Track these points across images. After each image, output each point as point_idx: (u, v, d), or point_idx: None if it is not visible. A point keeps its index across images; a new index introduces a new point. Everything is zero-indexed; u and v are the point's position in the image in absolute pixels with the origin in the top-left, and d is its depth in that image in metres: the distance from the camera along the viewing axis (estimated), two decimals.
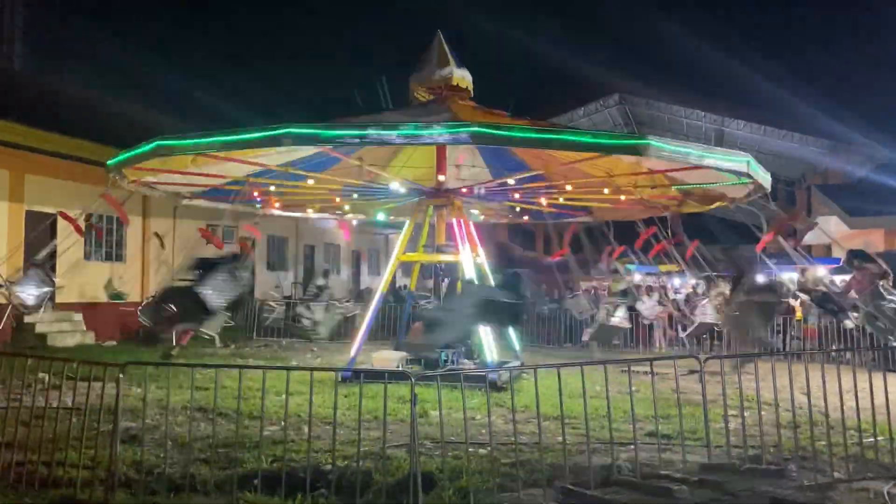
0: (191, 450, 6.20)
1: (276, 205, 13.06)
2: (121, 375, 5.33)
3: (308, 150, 10.71)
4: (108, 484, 5.13)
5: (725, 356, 6.41)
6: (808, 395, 6.04)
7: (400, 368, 11.42)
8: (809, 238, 24.13)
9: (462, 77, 12.04)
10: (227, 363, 12.76)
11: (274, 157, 10.75)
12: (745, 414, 6.38)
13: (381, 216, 15.21)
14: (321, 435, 6.74)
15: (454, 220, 12.06)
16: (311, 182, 12.03)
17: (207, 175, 11.42)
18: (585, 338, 16.01)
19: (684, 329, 16.21)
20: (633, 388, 6.26)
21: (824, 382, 6.14)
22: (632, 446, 6.18)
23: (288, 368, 6.17)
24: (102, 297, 16.57)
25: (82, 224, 11.54)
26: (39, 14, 20.08)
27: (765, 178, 9.85)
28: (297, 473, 5.55)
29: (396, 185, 12.12)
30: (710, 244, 13.09)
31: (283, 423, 7.60)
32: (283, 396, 8.95)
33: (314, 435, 6.83)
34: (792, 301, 17.04)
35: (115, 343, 15.67)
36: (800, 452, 6.06)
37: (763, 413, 6.38)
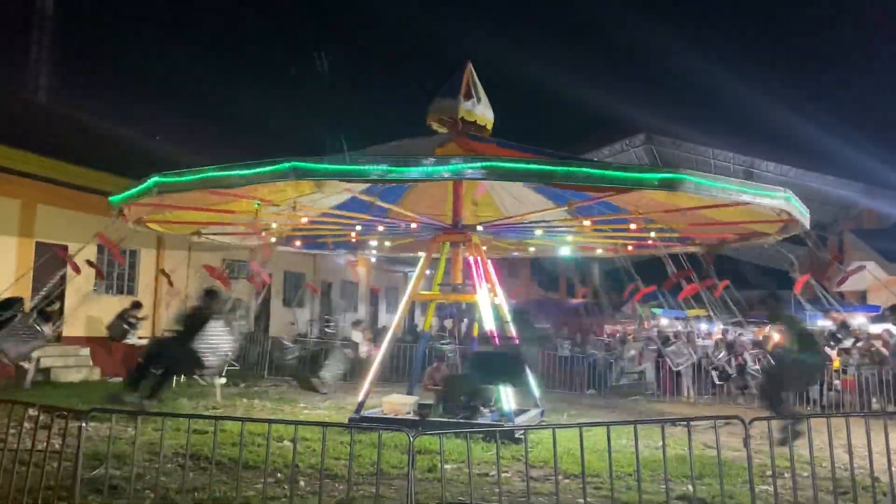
0: None
1: (297, 243, 12.65)
2: (83, 425, 4.77)
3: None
4: None
5: (773, 417, 5.70)
6: (850, 454, 5.32)
7: (412, 415, 10.81)
8: (844, 285, 23.24)
9: (476, 112, 11.54)
10: (226, 405, 12.37)
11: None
12: (788, 476, 5.65)
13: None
14: (320, 490, 6.10)
15: (471, 258, 11.50)
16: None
17: (217, 211, 11.10)
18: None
19: (722, 377, 15.32)
20: (665, 444, 5.57)
21: (869, 441, 5.42)
22: None
23: (271, 421, 5.57)
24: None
25: (81, 258, 11.12)
26: (59, 46, 20.15)
27: (804, 215, 9.24)
28: None
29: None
30: (742, 289, 12.34)
31: (278, 477, 7.04)
32: (285, 443, 8.48)
33: (312, 490, 6.24)
34: (829, 349, 16.19)
35: (121, 379, 15.15)
36: None
37: (804, 475, 5.66)
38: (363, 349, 13.70)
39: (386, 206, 11.21)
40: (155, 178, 8.72)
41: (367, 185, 10.61)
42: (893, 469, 5.30)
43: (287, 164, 7.88)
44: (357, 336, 13.96)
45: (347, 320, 26.15)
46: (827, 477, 5.69)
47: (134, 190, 9.28)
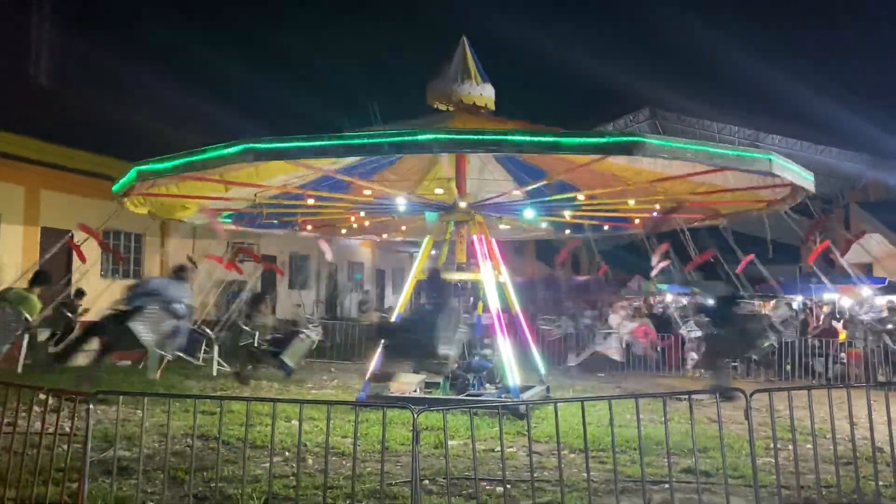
0: (183, 484, 5.69)
1: (308, 227, 12.65)
2: (91, 406, 4.82)
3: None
4: None
5: (774, 389, 5.72)
6: (852, 425, 5.34)
7: (418, 393, 10.89)
8: (848, 256, 23.15)
9: (481, 94, 11.49)
10: (234, 386, 12.44)
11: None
12: (791, 448, 5.67)
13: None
14: (325, 468, 6.16)
15: (475, 237, 11.49)
16: (311, 202, 11.63)
17: (215, 198, 11.13)
18: (571, 363, 15.16)
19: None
20: (668, 418, 5.59)
21: (870, 411, 5.44)
22: (666, 485, 5.53)
23: (276, 401, 5.61)
24: None
25: (88, 249, 11.24)
26: (61, 31, 20.05)
27: (804, 178, 9.14)
28: None
29: (401, 201, 11.61)
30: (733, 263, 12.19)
31: (286, 455, 7.12)
32: (292, 423, 8.55)
33: (319, 468, 6.30)
34: (835, 322, 16.20)
35: (129, 363, 15.26)
36: (859, 496, 5.34)
37: (808, 447, 5.68)
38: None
39: (367, 184, 11.12)
40: (134, 168, 8.94)
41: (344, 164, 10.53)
42: (895, 439, 5.32)
43: (242, 146, 7.83)
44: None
45: (353, 301, 26.27)
46: (829, 448, 5.71)
47: (122, 181, 9.46)
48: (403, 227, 15.87)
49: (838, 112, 25.41)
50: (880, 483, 5.37)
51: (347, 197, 11.63)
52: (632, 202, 11.33)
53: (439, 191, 11.76)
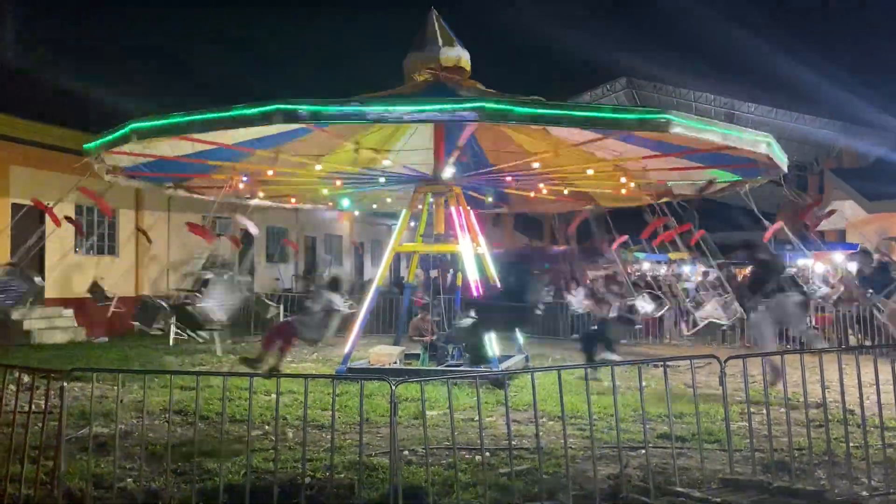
0: (161, 460, 5.67)
1: (261, 194, 12.44)
2: (65, 384, 4.77)
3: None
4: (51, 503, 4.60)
5: (748, 355, 5.81)
6: (823, 389, 5.43)
7: (398, 364, 10.93)
8: (823, 223, 23.43)
9: (459, 57, 11.44)
10: (217, 360, 12.44)
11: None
12: (766, 413, 5.76)
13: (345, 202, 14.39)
14: (304, 440, 6.18)
15: (454, 209, 11.47)
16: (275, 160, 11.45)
17: (189, 161, 10.94)
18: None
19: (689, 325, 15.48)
20: (644, 384, 5.66)
21: (842, 376, 5.55)
22: (642, 450, 5.61)
23: (252, 375, 5.60)
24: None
25: (59, 216, 11.03)
26: (25, 6, 19.55)
27: (783, 161, 9.27)
28: (271, 487, 4.99)
29: (387, 163, 11.54)
30: (718, 231, 12.40)
31: (266, 429, 7.12)
32: (272, 397, 8.55)
33: (299, 441, 6.31)
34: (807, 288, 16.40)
35: (106, 340, 15.17)
36: (830, 457, 5.45)
37: (782, 411, 5.77)
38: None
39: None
40: (131, 125, 8.64)
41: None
42: (865, 401, 5.43)
43: (273, 107, 7.80)
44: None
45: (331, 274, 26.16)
46: (802, 412, 5.82)
47: (110, 136, 9.14)
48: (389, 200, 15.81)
49: (813, 79, 25.55)
50: (851, 444, 5.48)
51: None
52: (623, 179, 11.42)
53: (387, 162, 11.68)
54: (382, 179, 12.14)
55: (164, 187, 13.16)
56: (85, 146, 10.00)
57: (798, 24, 50.18)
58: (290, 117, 7.99)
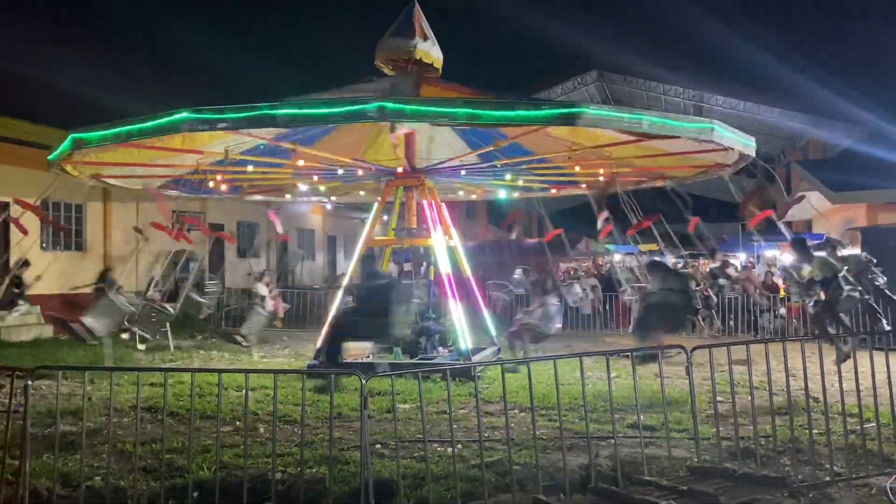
0: (130, 457, 5.61)
1: (223, 187, 12.32)
2: (30, 382, 4.71)
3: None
4: (16, 503, 4.54)
5: (713, 345, 5.89)
6: (787, 377, 5.54)
7: (371, 359, 10.92)
8: (790, 214, 23.78)
9: (428, 52, 11.35)
10: (183, 357, 12.32)
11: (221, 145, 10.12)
12: (732, 402, 5.86)
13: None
14: (277, 437, 6.16)
15: (425, 202, 11.48)
16: (250, 168, 11.46)
17: (158, 165, 10.87)
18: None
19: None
20: (613, 375, 5.73)
21: (805, 364, 5.66)
22: (612, 440, 5.68)
23: (221, 371, 5.52)
24: (60, 289, 15.78)
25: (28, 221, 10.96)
26: None
27: (744, 143, 9.34)
28: (241, 483, 4.97)
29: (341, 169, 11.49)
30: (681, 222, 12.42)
31: (237, 425, 7.08)
32: (242, 392, 8.50)
33: (270, 437, 6.28)
34: (777, 279, 16.69)
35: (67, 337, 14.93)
36: (794, 444, 5.57)
37: (748, 400, 5.87)
38: (269, 303, 13.45)
39: (311, 151, 10.91)
40: (71, 136, 8.70)
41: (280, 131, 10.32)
42: (829, 389, 5.54)
43: (182, 116, 7.70)
44: (262, 289, 13.57)
45: (305, 269, 26.05)
46: (767, 400, 5.93)
47: (58, 150, 9.24)
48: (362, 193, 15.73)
49: (780, 70, 25.87)
50: (814, 431, 5.59)
51: (285, 163, 11.44)
52: (578, 168, 11.42)
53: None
54: (340, 171, 12.05)
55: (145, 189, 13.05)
56: (49, 158, 9.94)
57: (767, 16, 50.78)
58: (197, 126, 7.88)
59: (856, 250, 12.50)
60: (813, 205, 21.26)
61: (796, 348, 5.82)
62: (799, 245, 9.62)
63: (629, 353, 5.77)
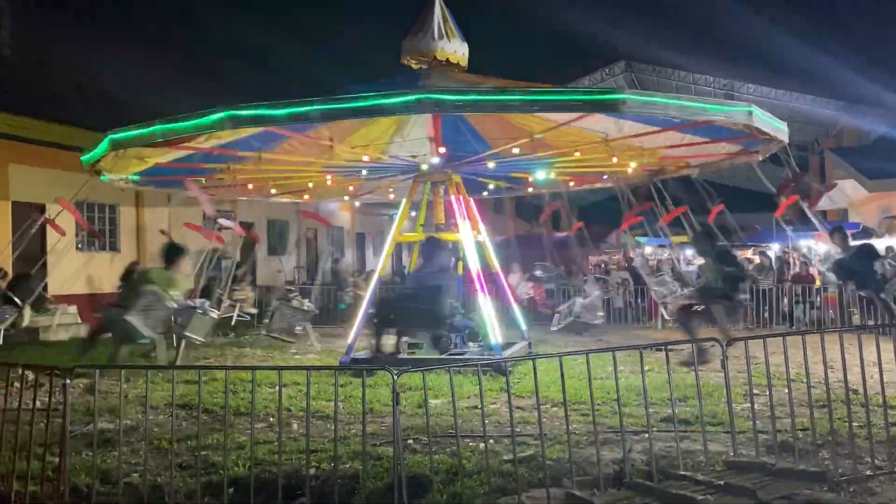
0: (166, 454, 5.69)
1: (250, 186, 12.42)
2: (68, 381, 4.79)
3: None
4: (57, 499, 4.62)
5: (749, 337, 5.80)
6: (826, 369, 5.43)
7: (402, 354, 10.93)
8: (824, 203, 23.36)
9: (454, 51, 11.31)
10: (217, 355, 12.46)
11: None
12: (769, 395, 5.76)
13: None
14: (311, 433, 6.20)
15: (453, 197, 11.45)
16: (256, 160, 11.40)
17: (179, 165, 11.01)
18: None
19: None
20: (646, 368, 5.66)
21: (843, 355, 5.51)
22: (646, 434, 5.62)
23: (255, 368, 5.58)
24: (97, 289, 16.09)
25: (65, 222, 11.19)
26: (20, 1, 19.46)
27: (779, 129, 9.19)
28: (276, 479, 5.01)
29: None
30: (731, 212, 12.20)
31: (270, 421, 7.14)
32: (275, 389, 8.57)
33: (304, 433, 6.33)
34: (812, 269, 16.43)
35: (110, 335, 15.17)
36: (833, 437, 5.45)
37: (785, 393, 5.77)
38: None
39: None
40: (108, 136, 8.83)
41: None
42: (869, 381, 5.42)
43: (224, 114, 7.83)
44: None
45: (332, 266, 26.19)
46: (805, 392, 5.82)
47: (94, 152, 9.34)
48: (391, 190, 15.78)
49: (813, 58, 25.40)
50: (854, 424, 5.48)
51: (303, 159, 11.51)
52: (615, 159, 11.30)
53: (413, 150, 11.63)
54: (364, 172, 12.11)
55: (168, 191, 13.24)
56: (83, 159, 10.10)
57: (799, 3, 49.84)
58: (238, 123, 8.00)
59: (893, 240, 12.28)
60: (847, 193, 20.90)
61: (833, 339, 5.71)
62: (839, 234, 9.48)
63: (662, 347, 5.69)
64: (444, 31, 11.26)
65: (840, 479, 4.90)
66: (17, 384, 7.45)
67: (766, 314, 15.34)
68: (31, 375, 6.47)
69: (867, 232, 12.07)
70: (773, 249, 21.36)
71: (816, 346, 5.45)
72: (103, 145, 9.00)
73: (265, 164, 11.19)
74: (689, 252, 21.62)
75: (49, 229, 12.98)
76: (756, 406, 5.72)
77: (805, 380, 5.69)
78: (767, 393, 5.58)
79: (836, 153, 23.92)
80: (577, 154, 11.20)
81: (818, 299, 15.30)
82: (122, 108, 17.43)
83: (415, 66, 11.37)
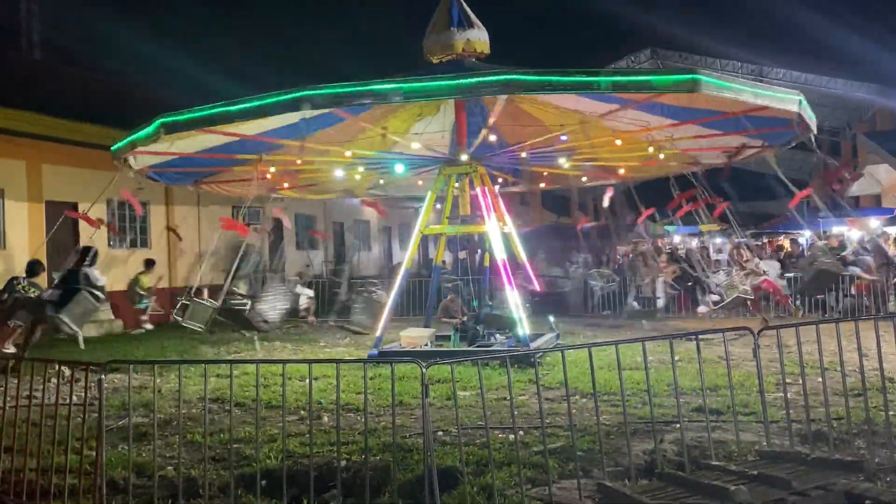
0: (200, 447, 5.77)
1: (285, 185, 12.49)
2: (103, 376, 4.87)
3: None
4: (94, 492, 4.71)
5: (782, 325, 5.71)
6: (860, 357, 5.33)
7: (429, 347, 10.97)
8: (857, 188, 22.90)
9: (478, 39, 11.29)
10: (248, 349, 12.59)
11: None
12: (801, 382, 5.67)
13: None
14: (341, 426, 6.24)
15: (479, 189, 11.43)
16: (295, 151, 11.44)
17: (214, 156, 11.06)
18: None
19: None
20: (677, 359, 5.61)
21: (879, 343, 5.40)
22: (677, 424, 5.57)
23: (285, 362, 5.63)
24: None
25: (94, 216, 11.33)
26: (52, 2, 19.78)
27: (813, 119, 9.10)
28: (308, 471, 5.06)
29: (416, 146, 11.50)
30: (749, 200, 12.15)
31: (301, 414, 7.20)
32: (306, 382, 8.64)
33: (334, 425, 6.38)
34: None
35: (142, 331, 15.45)
36: (869, 426, 5.37)
37: (819, 382, 5.68)
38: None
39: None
40: (160, 119, 8.78)
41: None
42: None
43: (298, 94, 7.93)
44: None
45: (360, 259, 26.31)
46: (839, 381, 5.73)
47: (140, 133, 9.25)
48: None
49: (845, 40, 24.92)
50: (890, 413, 5.38)
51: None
52: (650, 150, 11.24)
53: (416, 145, 11.60)
54: (400, 168, 12.10)
55: (186, 186, 13.37)
56: (112, 147, 10.14)
57: None
58: (316, 103, 8.05)
59: None
60: (881, 178, 20.48)
61: (868, 327, 5.61)
62: None
63: (693, 337, 5.63)
64: (464, 23, 11.24)
65: (877, 469, 4.82)
66: (53, 380, 7.61)
67: (798, 302, 15.11)
68: (67, 371, 6.58)
69: None
70: (805, 236, 21.03)
71: (850, 335, 5.37)
72: (152, 126, 8.92)
73: (304, 154, 11.26)
74: (719, 240, 21.37)
75: (81, 224, 13.12)
76: (789, 395, 5.65)
77: (839, 368, 5.61)
78: (800, 382, 5.50)
79: (869, 137, 23.42)
80: (618, 142, 11.14)
81: (851, 287, 15.03)
82: (150, 107, 17.61)
83: (435, 62, 11.32)
